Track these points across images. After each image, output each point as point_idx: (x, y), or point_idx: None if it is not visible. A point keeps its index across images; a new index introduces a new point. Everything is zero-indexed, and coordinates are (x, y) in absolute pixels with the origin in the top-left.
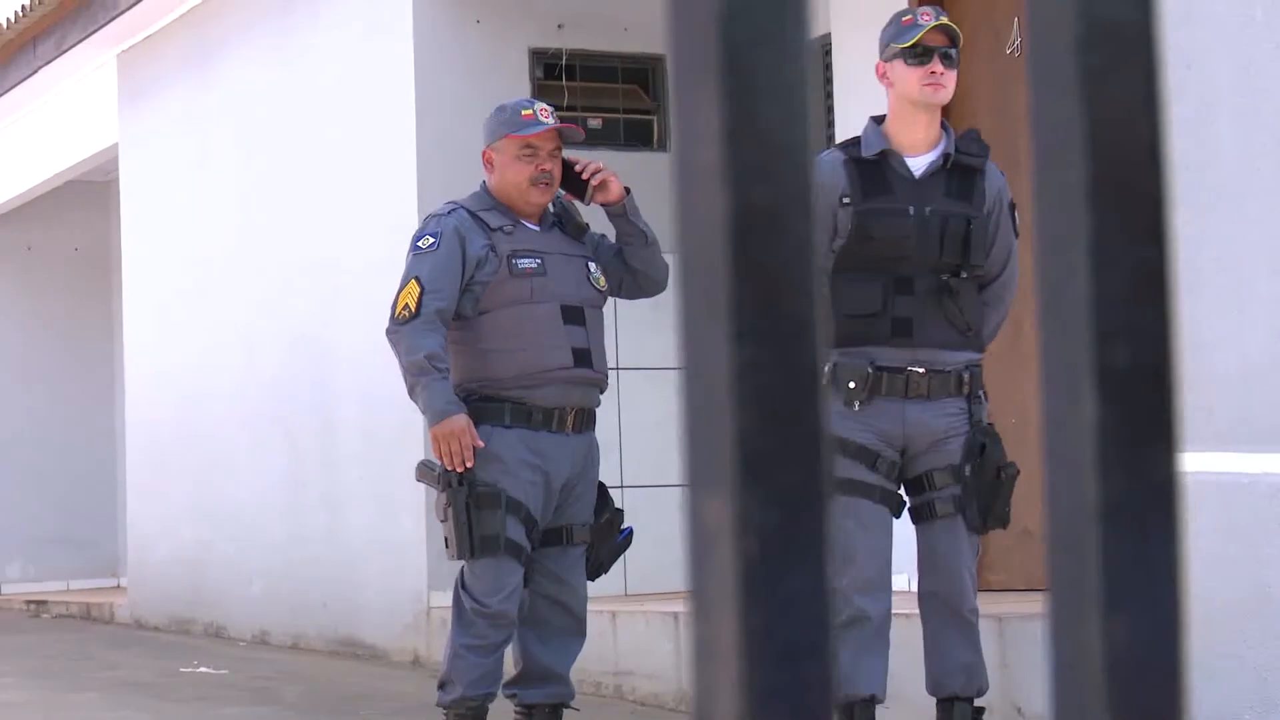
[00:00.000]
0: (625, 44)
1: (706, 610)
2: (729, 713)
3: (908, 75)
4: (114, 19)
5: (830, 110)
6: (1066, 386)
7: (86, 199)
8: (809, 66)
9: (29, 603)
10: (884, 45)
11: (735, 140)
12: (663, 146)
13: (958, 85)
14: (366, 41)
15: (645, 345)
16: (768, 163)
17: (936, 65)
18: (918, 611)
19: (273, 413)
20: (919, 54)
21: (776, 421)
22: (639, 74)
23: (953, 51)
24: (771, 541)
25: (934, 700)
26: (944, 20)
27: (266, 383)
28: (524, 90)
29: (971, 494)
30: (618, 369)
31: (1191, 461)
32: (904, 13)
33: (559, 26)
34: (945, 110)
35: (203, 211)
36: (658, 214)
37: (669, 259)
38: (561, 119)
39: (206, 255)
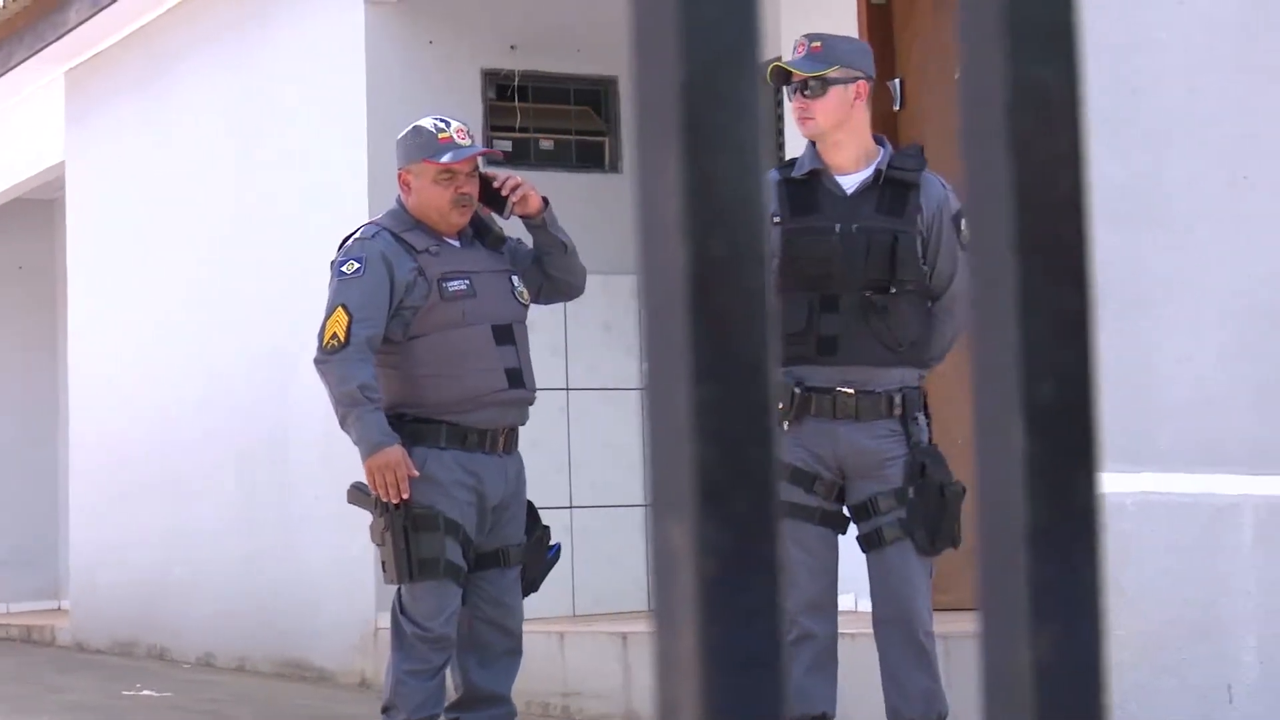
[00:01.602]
0: (578, 66)
1: (669, 625)
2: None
3: (792, 109)
4: (61, 37)
5: (781, 133)
6: (997, 421)
7: (32, 216)
8: (760, 124)
9: None
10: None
11: (694, 196)
12: (615, 168)
13: (907, 108)
14: (319, 61)
15: (596, 366)
16: (724, 217)
17: (798, 100)
18: (866, 632)
19: (226, 433)
20: (789, 89)
21: (732, 453)
22: (591, 96)
23: (817, 81)
24: (729, 562)
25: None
26: (813, 50)
27: (220, 403)
28: (476, 112)
29: (917, 516)
30: (568, 389)
31: (1138, 482)
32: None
33: (512, 48)
34: (892, 133)
35: (151, 231)
36: (610, 234)
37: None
38: (503, 144)
39: (155, 275)
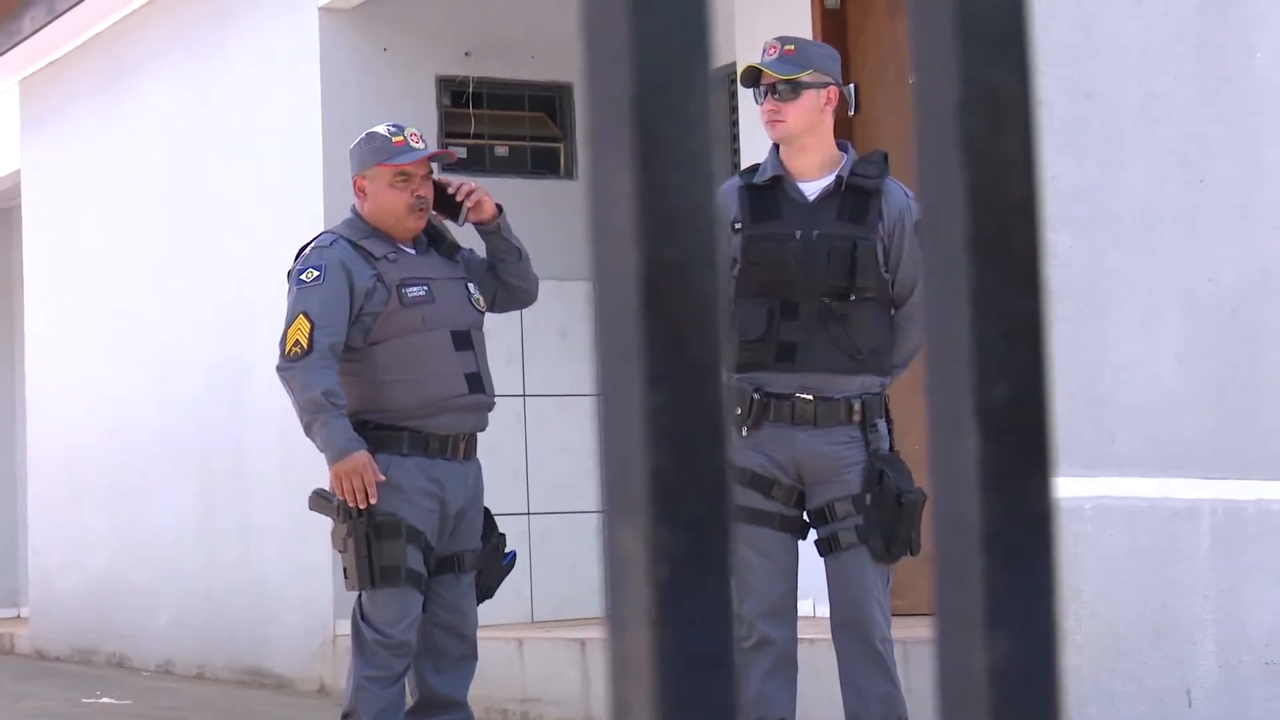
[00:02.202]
0: (532, 72)
1: (623, 628)
2: None
3: (759, 111)
4: (16, 45)
5: (736, 139)
6: (950, 424)
7: None
8: (713, 135)
9: None
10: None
11: (645, 203)
12: (570, 174)
13: (863, 113)
14: (274, 68)
15: (553, 373)
16: (675, 223)
17: (769, 103)
18: (825, 637)
19: (185, 441)
20: (758, 92)
21: (685, 458)
22: (546, 102)
23: (791, 82)
24: (681, 566)
25: None
26: (786, 54)
27: (178, 411)
28: (431, 118)
29: (874, 523)
30: (525, 395)
31: (1095, 486)
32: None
33: (466, 54)
34: (847, 138)
35: (110, 238)
36: (565, 239)
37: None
38: (455, 149)
39: (115, 281)
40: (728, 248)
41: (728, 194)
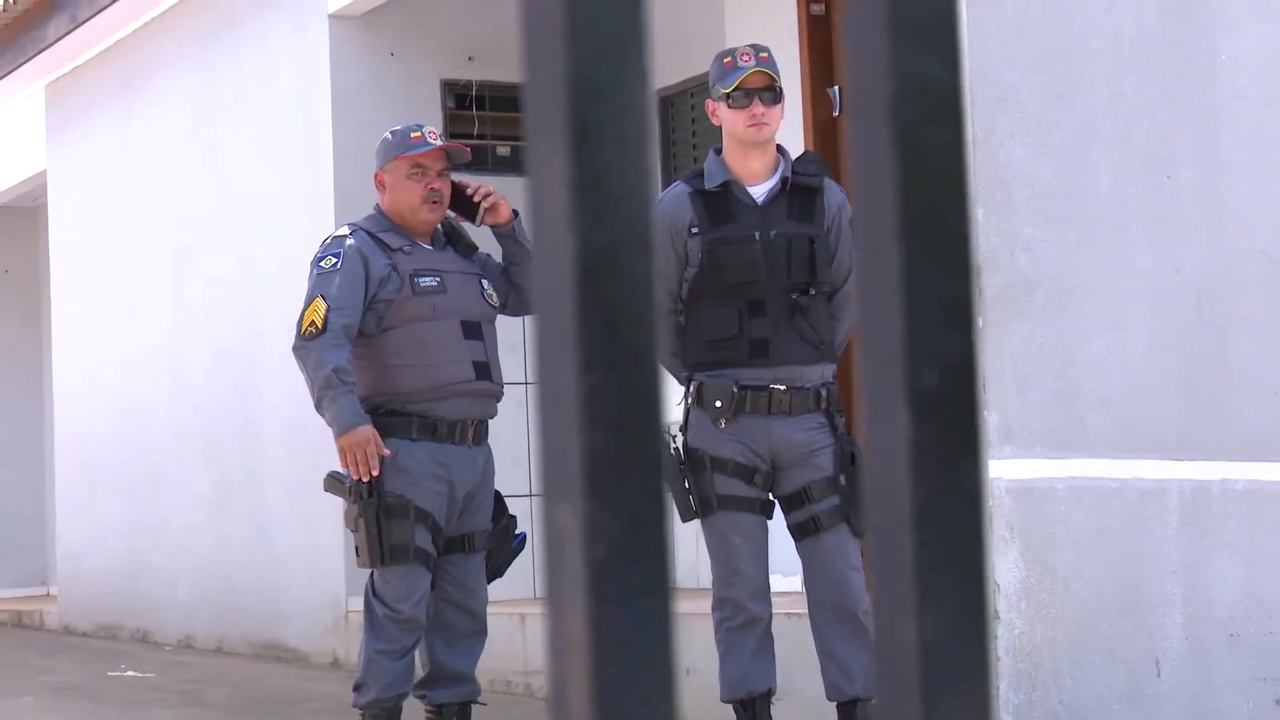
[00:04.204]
0: None
1: (559, 607)
2: (580, 699)
3: (733, 117)
4: (41, 52)
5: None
6: (883, 406)
7: (16, 223)
8: (648, 120)
9: None
10: (711, 86)
11: (581, 189)
12: None
13: (845, 114)
14: (286, 73)
15: None
16: (609, 209)
17: (757, 106)
18: (798, 611)
19: (200, 429)
20: (741, 97)
21: (619, 440)
22: None
23: (775, 86)
24: (616, 545)
25: (828, 701)
26: (761, 60)
27: (194, 400)
28: (436, 120)
29: (852, 501)
30: (527, 384)
31: (1068, 468)
32: (725, 54)
33: (469, 59)
34: (832, 138)
35: (129, 235)
36: None
37: None
38: (469, 146)
39: (134, 277)
40: (681, 250)
41: (679, 199)
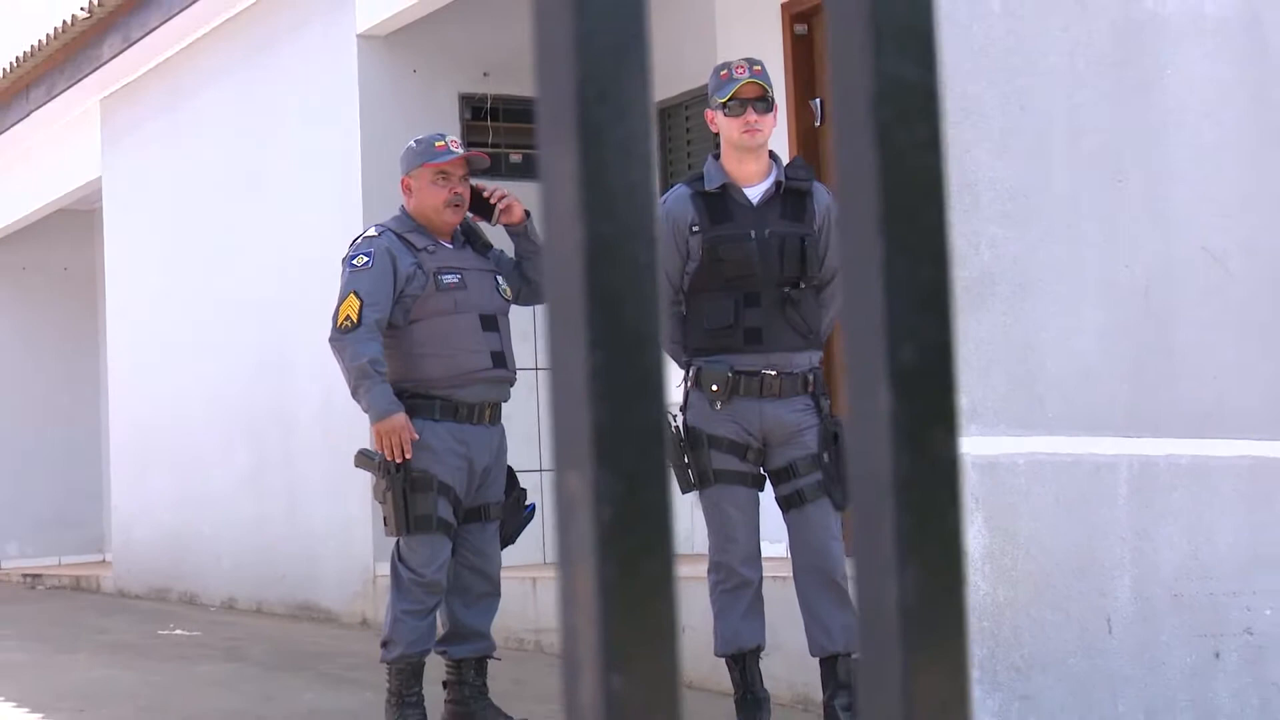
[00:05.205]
0: None
1: (569, 564)
2: (589, 649)
3: (729, 124)
4: (97, 69)
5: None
6: (864, 383)
7: (74, 225)
8: (650, 121)
9: (26, 576)
10: (709, 96)
11: (588, 184)
12: None
13: (826, 124)
14: (319, 86)
15: None
16: (613, 202)
17: (751, 114)
18: (784, 575)
19: (241, 412)
20: (737, 106)
21: (622, 413)
22: None
23: (767, 96)
24: (621, 508)
25: (811, 657)
26: (755, 72)
27: (236, 386)
28: (454, 130)
29: (834, 477)
30: (537, 369)
31: (1028, 445)
32: (722, 67)
33: (484, 74)
34: (814, 147)
35: (177, 236)
36: None
37: None
38: (487, 154)
39: (181, 274)
40: (683, 246)
41: (681, 200)
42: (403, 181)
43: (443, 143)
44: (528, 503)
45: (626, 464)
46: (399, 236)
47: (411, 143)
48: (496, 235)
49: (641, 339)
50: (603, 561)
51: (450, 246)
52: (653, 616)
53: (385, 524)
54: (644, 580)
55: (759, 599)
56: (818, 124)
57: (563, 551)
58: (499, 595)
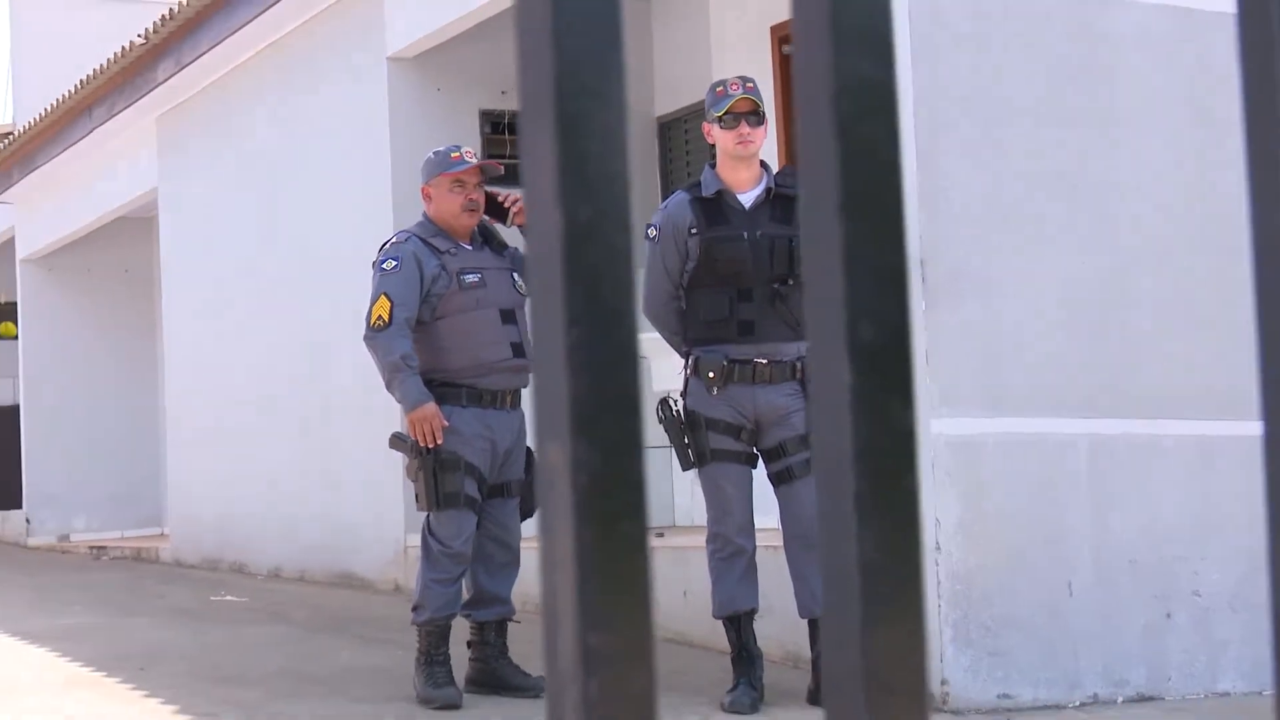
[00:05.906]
0: None
1: (550, 529)
2: (568, 607)
3: (724, 136)
4: (152, 90)
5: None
6: (827, 359)
7: (133, 231)
8: (626, 112)
9: (92, 548)
10: (706, 111)
11: (567, 171)
12: None
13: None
14: (353, 104)
15: None
16: (592, 188)
17: (744, 127)
18: (775, 545)
19: (286, 399)
20: (731, 120)
21: (600, 387)
22: None
23: (759, 111)
24: (597, 476)
25: (800, 618)
26: (748, 89)
27: (280, 377)
28: (475, 144)
29: None
30: None
31: (996, 426)
32: (718, 84)
33: (503, 92)
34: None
35: (225, 242)
36: None
37: None
38: (502, 164)
39: (229, 276)
40: (683, 247)
41: (681, 205)
42: (423, 190)
43: (458, 153)
44: None
45: (603, 434)
46: (424, 241)
47: (430, 154)
48: (511, 236)
49: (618, 316)
50: (580, 526)
51: (470, 248)
52: (628, 577)
53: (416, 500)
54: (620, 543)
55: (753, 566)
56: None
57: (544, 516)
58: (519, 564)
